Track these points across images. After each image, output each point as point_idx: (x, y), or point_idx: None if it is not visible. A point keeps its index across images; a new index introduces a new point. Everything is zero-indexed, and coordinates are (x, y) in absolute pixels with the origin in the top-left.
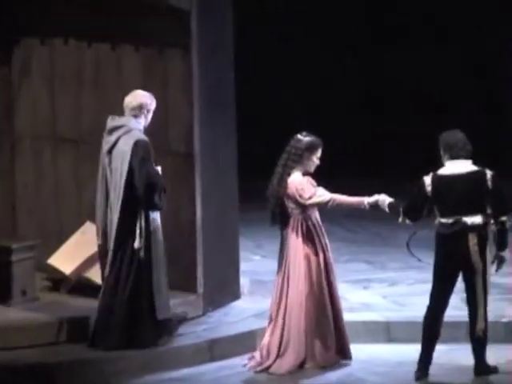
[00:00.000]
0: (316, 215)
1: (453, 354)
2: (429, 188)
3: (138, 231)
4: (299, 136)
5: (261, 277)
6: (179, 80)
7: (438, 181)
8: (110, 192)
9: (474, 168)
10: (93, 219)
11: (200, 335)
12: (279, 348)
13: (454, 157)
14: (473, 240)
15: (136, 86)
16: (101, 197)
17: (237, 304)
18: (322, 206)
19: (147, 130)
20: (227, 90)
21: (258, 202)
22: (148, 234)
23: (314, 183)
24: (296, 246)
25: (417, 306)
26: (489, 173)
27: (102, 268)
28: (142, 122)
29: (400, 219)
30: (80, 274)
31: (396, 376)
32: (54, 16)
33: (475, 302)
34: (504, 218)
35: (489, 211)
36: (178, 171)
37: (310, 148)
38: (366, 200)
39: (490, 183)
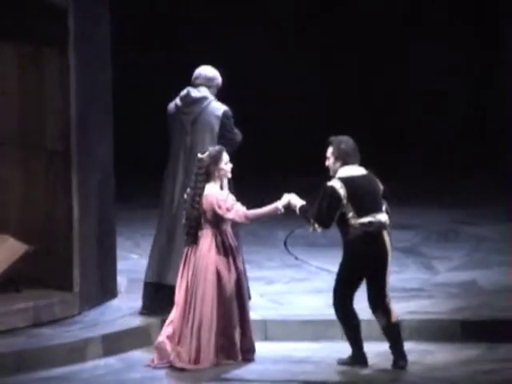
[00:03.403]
0: (229, 230)
1: (327, 352)
2: (341, 191)
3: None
4: (199, 155)
5: (138, 275)
6: (56, 78)
7: (349, 182)
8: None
9: (366, 170)
10: None
11: (75, 334)
12: (191, 356)
13: (349, 163)
14: (386, 236)
15: (12, 83)
16: (177, 167)
17: (113, 303)
18: (239, 222)
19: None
20: (104, 88)
21: (135, 200)
22: None
23: (234, 198)
24: (207, 260)
25: (293, 305)
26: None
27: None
28: (214, 92)
29: (311, 228)
30: None
31: (272, 374)
32: None
33: (385, 294)
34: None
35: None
36: (54, 169)
37: (214, 160)
38: (280, 204)
39: (380, 184)
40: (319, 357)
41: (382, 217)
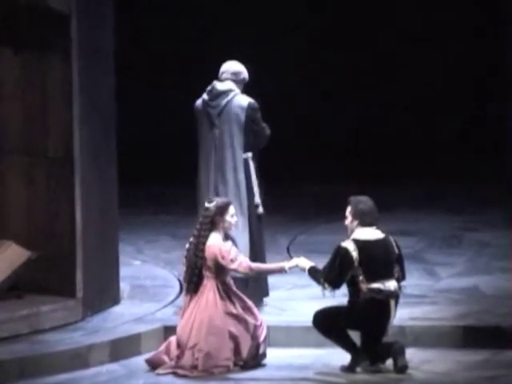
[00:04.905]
0: (230, 282)
1: (330, 358)
2: (355, 253)
3: (255, 187)
4: (207, 204)
5: (141, 281)
6: (59, 84)
7: (363, 246)
8: (225, 153)
9: (383, 234)
10: None
11: (78, 340)
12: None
13: (366, 224)
14: (392, 305)
15: (14, 89)
16: (209, 162)
17: (116, 309)
18: (242, 273)
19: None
20: (107, 93)
21: (138, 206)
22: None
23: (237, 250)
24: (215, 313)
25: (296, 311)
26: (392, 239)
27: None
28: (240, 88)
29: (322, 290)
30: None
31: (275, 380)
32: None
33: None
34: (402, 284)
35: (395, 276)
36: (57, 176)
37: (220, 211)
38: (287, 265)
39: (396, 249)
40: (322, 363)
41: (392, 284)
